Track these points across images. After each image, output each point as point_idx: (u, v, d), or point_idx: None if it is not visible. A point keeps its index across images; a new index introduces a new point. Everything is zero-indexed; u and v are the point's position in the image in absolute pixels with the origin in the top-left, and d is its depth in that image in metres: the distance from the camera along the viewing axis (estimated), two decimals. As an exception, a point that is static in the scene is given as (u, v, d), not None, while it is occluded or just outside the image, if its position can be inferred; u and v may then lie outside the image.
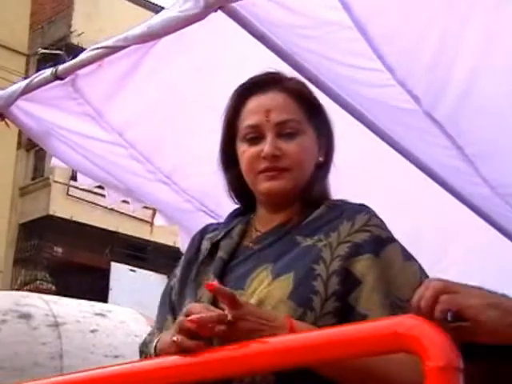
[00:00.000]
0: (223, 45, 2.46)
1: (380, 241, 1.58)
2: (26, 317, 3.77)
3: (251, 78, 1.73)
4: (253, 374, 1.48)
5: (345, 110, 2.49)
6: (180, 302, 1.69)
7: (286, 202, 1.69)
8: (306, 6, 2.16)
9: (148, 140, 2.88)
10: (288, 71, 2.35)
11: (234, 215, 1.79)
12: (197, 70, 2.57)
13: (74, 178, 16.31)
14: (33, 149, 17.00)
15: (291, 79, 1.74)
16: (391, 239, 1.60)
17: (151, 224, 16.30)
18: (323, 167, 1.71)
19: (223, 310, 1.46)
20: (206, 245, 1.76)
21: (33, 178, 17.70)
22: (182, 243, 3.44)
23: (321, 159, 1.71)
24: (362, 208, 1.66)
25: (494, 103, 2.27)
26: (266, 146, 1.62)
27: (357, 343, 1.24)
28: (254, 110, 1.67)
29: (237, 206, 1.80)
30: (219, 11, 2.17)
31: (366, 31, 2.15)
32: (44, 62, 15.32)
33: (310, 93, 1.74)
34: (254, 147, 1.64)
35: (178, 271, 1.78)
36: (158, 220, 3.44)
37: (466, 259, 2.96)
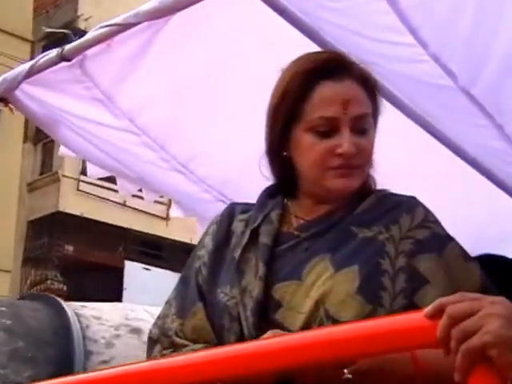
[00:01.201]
0: (242, 20, 2.41)
1: (440, 239, 1.60)
2: (137, 332, 3.82)
3: (318, 59, 1.66)
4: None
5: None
6: (211, 288, 1.66)
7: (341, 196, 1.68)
8: (330, -24, 2.13)
9: (162, 126, 2.85)
10: (312, 48, 2.36)
11: (265, 196, 1.75)
12: (215, 48, 2.53)
13: (84, 172, 16.44)
14: (40, 142, 17.08)
15: (359, 66, 1.68)
16: (449, 237, 1.62)
17: (166, 219, 16.38)
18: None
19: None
20: (240, 227, 1.72)
21: (41, 173, 17.78)
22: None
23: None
24: (418, 202, 1.66)
25: None
26: (344, 143, 1.58)
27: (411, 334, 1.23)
28: (330, 99, 1.60)
29: (266, 187, 1.75)
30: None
31: (396, 3, 2.10)
32: (50, 48, 15.37)
33: (376, 84, 1.70)
34: (326, 141, 1.60)
35: (203, 253, 1.73)
36: (174, 211, 3.42)
37: (503, 240, 2.93)
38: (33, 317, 3.68)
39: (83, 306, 3.98)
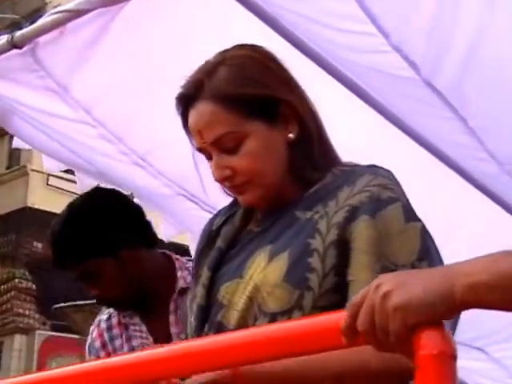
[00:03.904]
0: (199, 7, 2.40)
1: (379, 201, 1.52)
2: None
3: (183, 86, 1.66)
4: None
5: (335, 79, 2.46)
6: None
7: (282, 192, 1.65)
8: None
9: (119, 117, 2.83)
10: (273, 37, 2.35)
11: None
12: (172, 36, 2.51)
13: (54, 166, 16.33)
14: (7, 135, 16.90)
15: (214, 80, 1.62)
16: (393, 199, 1.53)
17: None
18: (304, 139, 1.63)
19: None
20: (212, 233, 1.76)
21: (8, 167, 17.66)
22: (165, 232, 3.42)
23: (291, 135, 1.63)
24: (368, 169, 1.59)
25: (500, 69, 2.23)
26: (213, 172, 1.61)
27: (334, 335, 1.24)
28: (193, 131, 1.63)
29: None
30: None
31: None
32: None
33: (250, 86, 1.63)
34: (211, 164, 1.63)
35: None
36: (136, 206, 3.42)
37: (472, 237, 2.92)
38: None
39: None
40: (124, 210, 2.44)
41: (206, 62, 1.67)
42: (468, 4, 2.06)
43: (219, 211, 1.81)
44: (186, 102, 1.64)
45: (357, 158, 1.70)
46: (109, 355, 2.41)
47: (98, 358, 2.42)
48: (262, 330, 1.34)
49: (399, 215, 1.51)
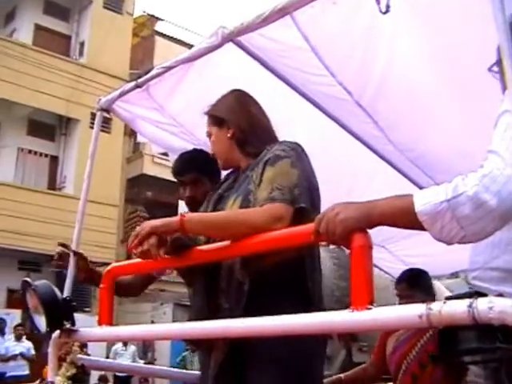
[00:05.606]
0: (233, 65, 2.32)
1: (278, 157, 1.51)
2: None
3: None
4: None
5: (306, 100, 2.41)
6: None
7: (237, 161, 1.69)
8: (283, 37, 2.03)
9: (190, 121, 2.76)
10: (274, 79, 2.31)
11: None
12: (217, 80, 2.45)
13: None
14: (132, 135, 16.87)
15: (217, 102, 1.78)
16: (286, 157, 1.51)
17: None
18: (238, 137, 1.67)
19: None
20: (218, 186, 1.80)
21: (133, 152, 17.66)
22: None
23: (228, 135, 1.68)
24: (279, 142, 1.59)
25: (402, 91, 2.13)
26: None
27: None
28: None
29: None
30: (230, 42, 2.08)
31: (317, 52, 2.07)
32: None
33: (214, 111, 1.76)
34: None
35: None
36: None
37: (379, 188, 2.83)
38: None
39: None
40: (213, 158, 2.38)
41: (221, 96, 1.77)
42: (381, 49, 1.97)
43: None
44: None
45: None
46: None
47: None
48: (265, 234, 1.35)
49: (287, 165, 1.49)
